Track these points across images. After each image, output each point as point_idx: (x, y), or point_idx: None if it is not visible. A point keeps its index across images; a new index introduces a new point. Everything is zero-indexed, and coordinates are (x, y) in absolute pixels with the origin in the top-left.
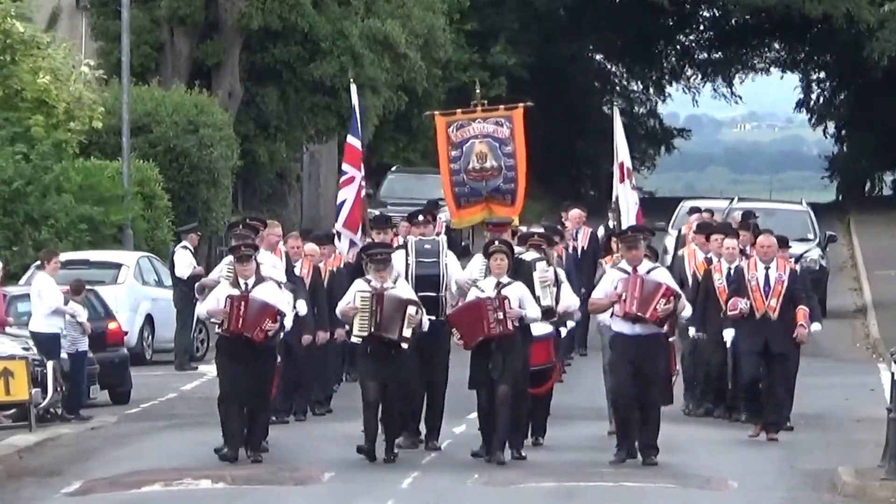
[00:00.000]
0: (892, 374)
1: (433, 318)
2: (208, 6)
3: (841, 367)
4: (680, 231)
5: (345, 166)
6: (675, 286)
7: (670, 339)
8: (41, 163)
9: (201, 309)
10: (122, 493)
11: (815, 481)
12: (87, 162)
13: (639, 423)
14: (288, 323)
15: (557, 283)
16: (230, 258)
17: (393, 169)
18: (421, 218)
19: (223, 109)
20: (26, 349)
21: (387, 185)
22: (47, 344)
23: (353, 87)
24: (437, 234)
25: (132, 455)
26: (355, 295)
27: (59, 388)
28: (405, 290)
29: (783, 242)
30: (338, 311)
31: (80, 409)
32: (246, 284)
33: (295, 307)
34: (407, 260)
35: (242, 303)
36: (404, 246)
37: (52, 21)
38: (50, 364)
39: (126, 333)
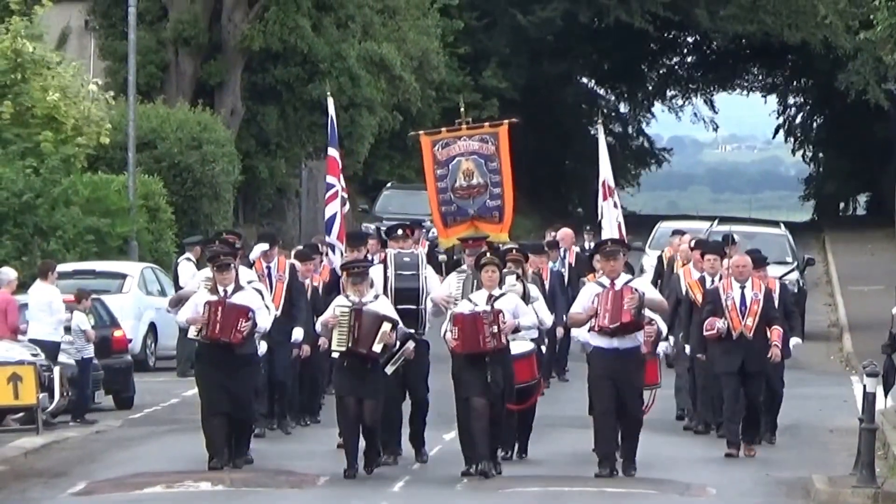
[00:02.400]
0: (864, 386)
1: (412, 331)
2: (212, 28)
3: (815, 380)
4: (661, 254)
5: (330, 178)
6: (640, 287)
7: (656, 353)
8: (50, 176)
9: (180, 317)
10: (126, 494)
11: (790, 488)
12: (94, 176)
13: (619, 436)
14: (263, 323)
15: (527, 298)
16: (206, 272)
17: (388, 185)
18: (400, 232)
19: (225, 127)
20: (35, 355)
21: (382, 201)
22: (49, 351)
23: (330, 100)
24: (439, 249)
25: (135, 458)
26: (334, 309)
27: (65, 393)
28: (385, 307)
29: (760, 261)
30: (318, 324)
31: (85, 413)
32: (225, 291)
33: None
34: (386, 273)
35: (219, 308)
36: (383, 260)
37: (62, 41)
38: (57, 369)
39: (130, 341)
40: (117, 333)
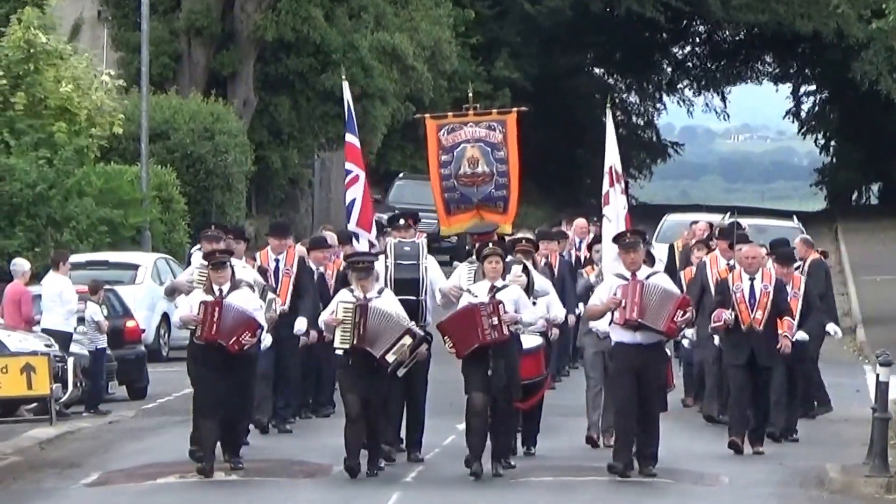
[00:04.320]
0: (877, 375)
1: (424, 334)
2: (224, 18)
3: (828, 369)
4: (674, 244)
5: (348, 165)
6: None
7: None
8: (63, 167)
9: (175, 318)
10: (139, 485)
11: (804, 477)
12: (107, 167)
13: (638, 432)
14: (261, 322)
15: (531, 290)
16: (202, 261)
17: (401, 175)
18: (402, 222)
19: (238, 117)
20: (48, 346)
21: (395, 191)
22: (62, 342)
23: (346, 85)
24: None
25: (149, 448)
26: (338, 306)
27: (78, 384)
28: (391, 303)
29: (787, 257)
30: (320, 321)
31: (99, 403)
32: (220, 290)
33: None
34: (386, 262)
35: (216, 309)
36: (383, 250)
37: (75, 32)
38: (70, 360)
39: (143, 331)
40: (130, 324)
